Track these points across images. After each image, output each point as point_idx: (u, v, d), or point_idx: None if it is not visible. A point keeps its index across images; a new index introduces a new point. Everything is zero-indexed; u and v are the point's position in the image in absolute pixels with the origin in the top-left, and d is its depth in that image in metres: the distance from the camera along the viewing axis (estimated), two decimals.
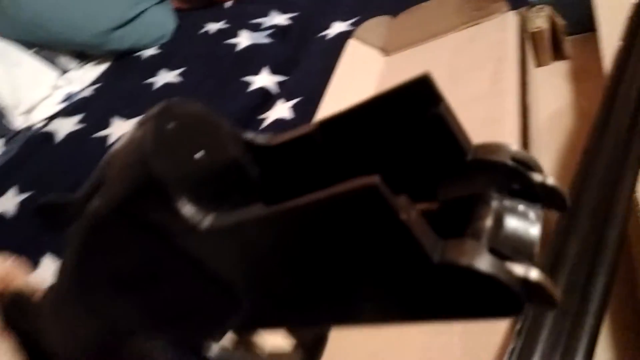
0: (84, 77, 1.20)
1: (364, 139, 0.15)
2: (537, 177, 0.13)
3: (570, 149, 0.61)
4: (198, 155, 0.16)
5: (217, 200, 0.16)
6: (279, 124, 0.84)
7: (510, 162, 0.13)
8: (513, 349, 0.38)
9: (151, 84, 1.05)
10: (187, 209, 0.15)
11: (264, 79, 0.94)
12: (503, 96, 0.64)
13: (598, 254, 0.41)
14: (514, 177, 0.13)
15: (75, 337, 0.23)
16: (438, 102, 0.13)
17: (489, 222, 0.12)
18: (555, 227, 0.44)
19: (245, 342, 0.22)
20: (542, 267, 0.40)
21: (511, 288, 0.11)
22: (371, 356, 0.47)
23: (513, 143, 0.53)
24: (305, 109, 0.82)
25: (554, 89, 0.72)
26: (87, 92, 1.13)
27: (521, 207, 0.13)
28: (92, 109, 1.06)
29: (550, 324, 0.39)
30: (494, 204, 0.13)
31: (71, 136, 1.00)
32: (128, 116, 0.97)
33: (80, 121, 1.03)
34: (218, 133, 0.17)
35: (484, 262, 0.11)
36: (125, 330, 0.21)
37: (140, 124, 0.16)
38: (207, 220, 0.15)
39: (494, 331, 0.43)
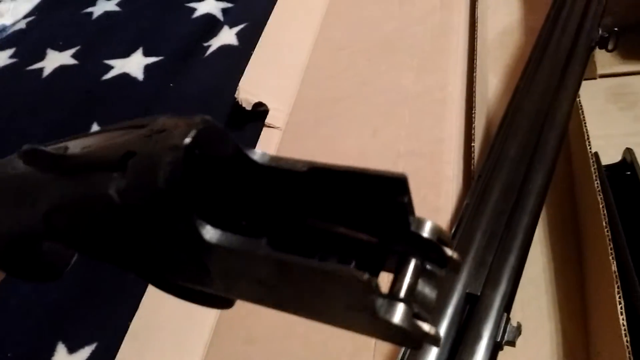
0: (17, 9, 1.11)
1: (340, 196, 0.17)
2: (448, 251, 0.17)
3: (519, 63, 0.59)
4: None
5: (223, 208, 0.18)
6: (224, 50, 0.80)
7: (435, 239, 0.16)
8: None
9: (90, 14, 0.99)
10: (204, 224, 0.17)
11: (209, 5, 0.89)
12: (452, 11, 0.62)
13: (536, 155, 0.40)
14: (434, 250, 0.17)
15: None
16: (406, 193, 0.16)
17: (408, 280, 0.16)
18: (497, 131, 0.43)
19: None
20: (487, 168, 0.38)
21: (417, 340, 0.16)
22: None
23: (459, 57, 0.51)
24: (251, 35, 0.78)
25: (505, 6, 0.69)
26: (21, 25, 1.05)
27: (430, 277, 0.17)
28: (26, 42, 0.99)
29: (484, 226, 0.38)
30: (415, 264, 0.17)
31: (4, 70, 0.93)
32: (63, 48, 0.91)
33: (13, 55, 0.96)
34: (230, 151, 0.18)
35: (408, 323, 0.16)
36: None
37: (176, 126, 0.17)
38: (215, 236, 0.17)
39: None
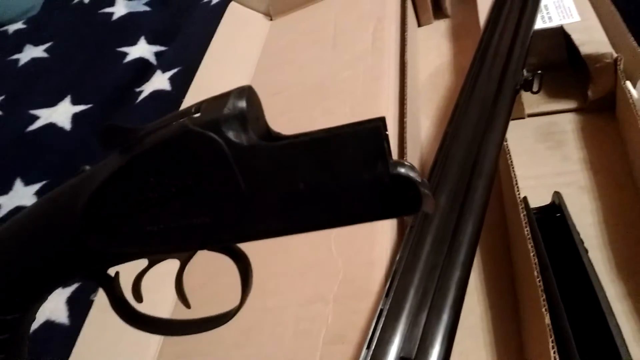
0: None
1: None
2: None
3: (450, 104, 0.59)
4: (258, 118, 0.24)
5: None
6: (157, 95, 0.78)
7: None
8: (381, 311, 0.36)
9: (16, 61, 0.94)
10: (253, 135, 0.22)
11: (142, 49, 0.87)
12: (382, 54, 0.62)
13: (466, 204, 0.39)
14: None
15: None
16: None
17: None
18: (427, 178, 0.43)
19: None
20: (419, 218, 0.37)
21: (422, 194, 0.20)
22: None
23: (390, 101, 0.51)
24: (185, 80, 0.76)
25: (435, 48, 0.70)
26: None
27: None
28: None
29: (416, 283, 0.36)
30: None
31: None
32: None
33: None
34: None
35: (415, 174, 0.20)
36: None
37: (229, 93, 0.23)
38: (264, 143, 0.22)
39: (364, 295, 0.40)
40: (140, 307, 0.28)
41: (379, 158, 0.20)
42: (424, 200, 0.20)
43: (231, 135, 0.21)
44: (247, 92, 0.22)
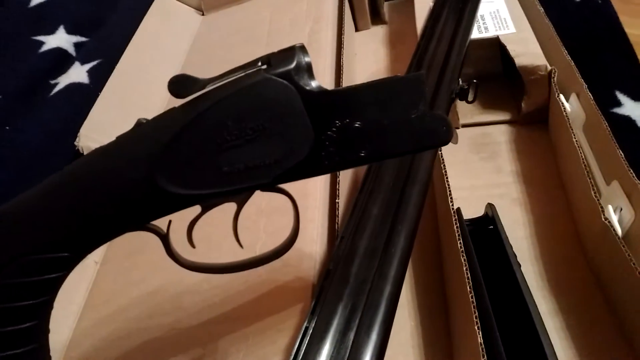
0: None
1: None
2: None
3: None
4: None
5: None
6: (73, 88, 0.71)
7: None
8: (306, 329, 0.33)
9: None
10: (317, 83, 0.26)
11: (60, 39, 0.80)
12: (318, 56, 0.59)
13: (399, 214, 0.37)
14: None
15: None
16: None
17: None
18: (360, 186, 0.40)
19: None
20: (350, 228, 0.34)
21: (451, 131, 0.25)
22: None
23: None
24: (105, 73, 0.70)
25: (372, 53, 0.69)
26: None
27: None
28: None
29: (345, 299, 0.34)
30: None
31: None
32: None
33: None
34: None
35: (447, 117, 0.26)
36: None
37: (293, 48, 0.26)
38: (327, 89, 0.25)
39: (289, 312, 0.37)
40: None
41: (421, 100, 0.25)
42: (453, 132, 0.25)
43: (301, 83, 0.25)
44: (306, 49, 0.26)
